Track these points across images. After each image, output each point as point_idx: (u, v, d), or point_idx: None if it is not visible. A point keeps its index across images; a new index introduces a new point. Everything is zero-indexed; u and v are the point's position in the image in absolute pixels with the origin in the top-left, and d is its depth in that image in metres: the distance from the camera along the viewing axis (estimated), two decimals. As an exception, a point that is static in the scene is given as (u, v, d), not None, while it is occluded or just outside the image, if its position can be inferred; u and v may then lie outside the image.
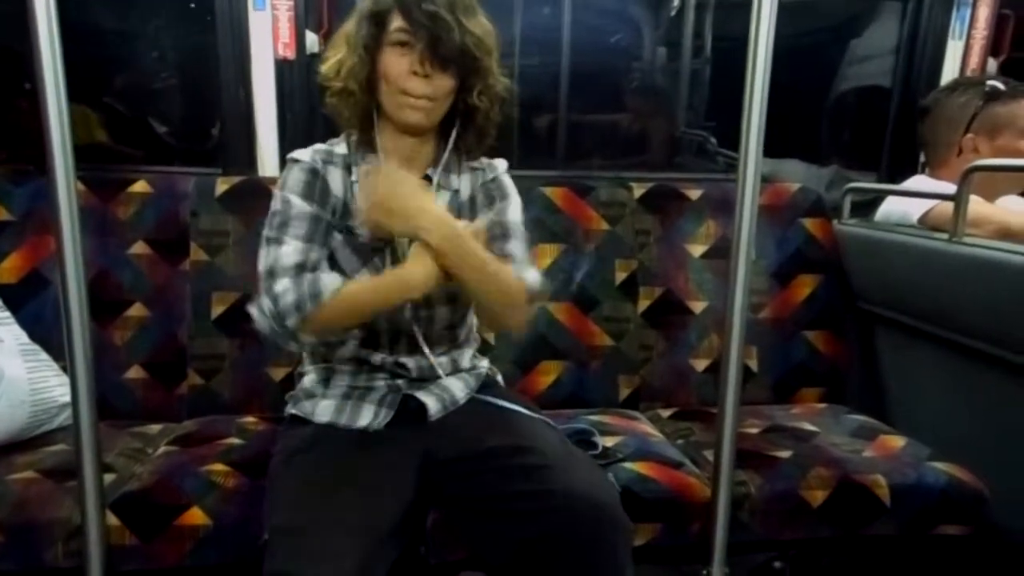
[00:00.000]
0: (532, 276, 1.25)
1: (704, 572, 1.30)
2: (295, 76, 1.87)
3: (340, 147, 1.28)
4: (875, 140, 2.27)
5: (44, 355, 1.49)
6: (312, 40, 1.90)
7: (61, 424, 1.45)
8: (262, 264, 1.18)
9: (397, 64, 1.16)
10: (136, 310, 1.64)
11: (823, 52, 2.70)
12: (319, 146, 1.28)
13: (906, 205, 1.82)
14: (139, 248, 1.66)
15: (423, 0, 1.13)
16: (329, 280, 1.15)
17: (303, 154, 1.24)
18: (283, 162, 1.89)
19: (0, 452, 1.35)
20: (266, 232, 1.20)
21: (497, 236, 1.26)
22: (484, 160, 1.35)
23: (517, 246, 1.28)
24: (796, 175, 2.43)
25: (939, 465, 1.44)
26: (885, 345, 1.83)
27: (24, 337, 1.50)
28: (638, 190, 1.86)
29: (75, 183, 1.58)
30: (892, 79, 2.19)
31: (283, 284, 1.14)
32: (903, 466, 1.44)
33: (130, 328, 1.63)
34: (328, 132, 1.34)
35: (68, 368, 1.11)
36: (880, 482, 1.39)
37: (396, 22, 1.15)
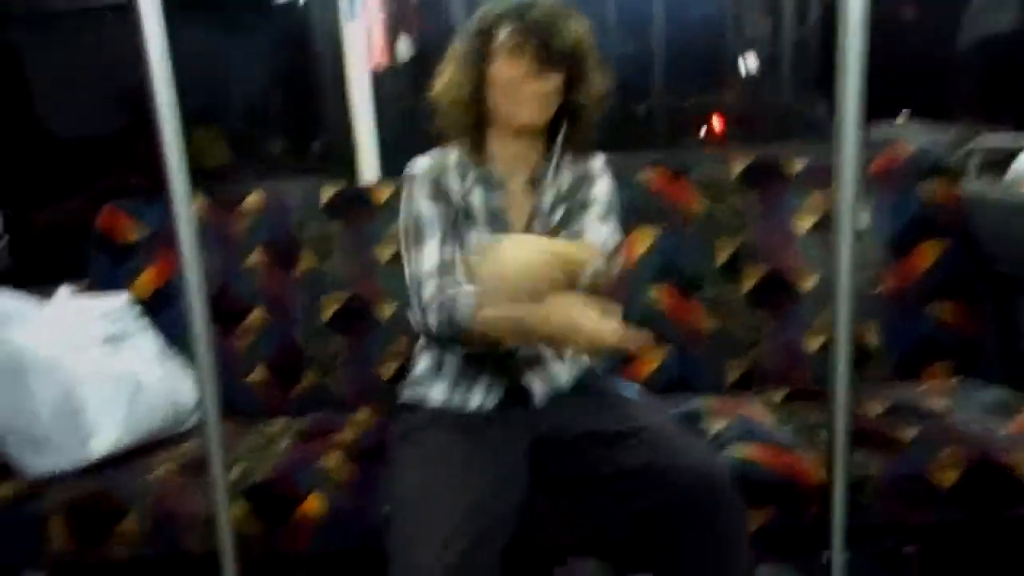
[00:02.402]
0: (599, 236, 1.26)
1: (824, 557, 1.24)
2: (390, 83, 1.94)
3: (452, 155, 1.33)
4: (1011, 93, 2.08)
5: (178, 361, 1.62)
6: (405, 47, 1.96)
7: (194, 423, 1.57)
8: (408, 274, 1.25)
9: (509, 69, 1.21)
10: (255, 316, 1.76)
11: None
12: (432, 154, 1.33)
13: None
14: (255, 258, 1.77)
15: (529, 8, 1.21)
16: (465, 302, 1.12)
17: (419, 166, 1.31)
18: (385, 166, 1.97)
19: (141, 451, 1.48)
20: (404, 245, 1.27)
21: (581, 214, 1.30)
22: (584, 160, 1.37)
23: (602, 228, 1.29)
24: (916, 138, 2.27)
25: (1091, 440, 1.30)
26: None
27: (160, 345, 1.64)
28: (737, 166, 1.79)
29: (195, 200, 1.74)
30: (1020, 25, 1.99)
31: (429, 293, 1.19)
32: (1048, 443, 1.31)
33: (251, 334, 1.75)
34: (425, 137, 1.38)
35: (195, 372, 1.20)
36: (1021, 462, 1.27)
37: (505, 31, 1.21)
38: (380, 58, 1.90)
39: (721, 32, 2.88)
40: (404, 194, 1.30)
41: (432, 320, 1.18)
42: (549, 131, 1.31)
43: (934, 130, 2.28)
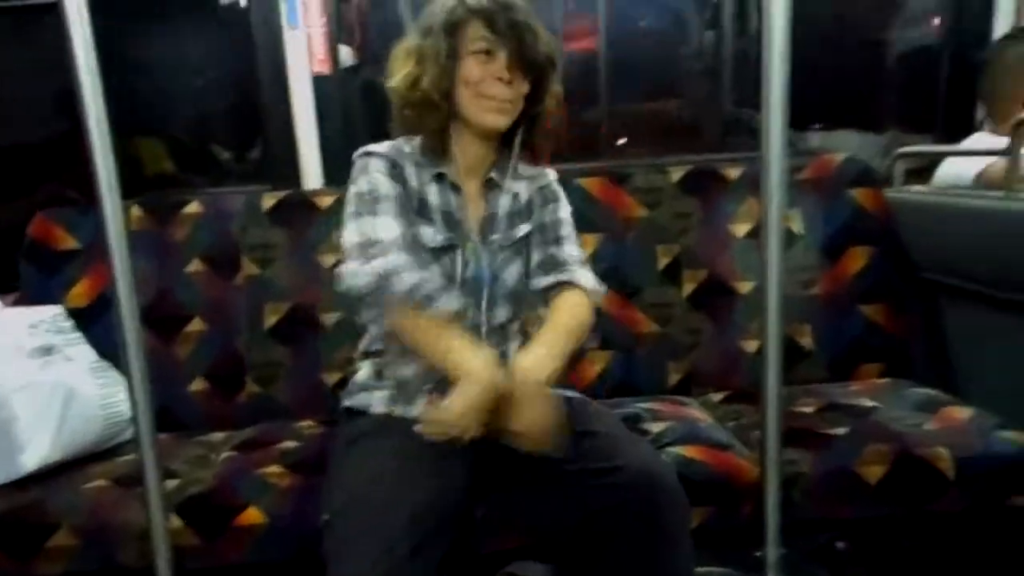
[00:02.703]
0: (589, 280, 1.33)
1: (758, 554, 1.28)
2: (332, 90, 1.94)
3: (407, 147, 1.30)
4: (931, 103, 2.18)
5: (113, 372, 1.59)
6: (347, 54, 1.96)
7: (131, 436, 1.53)
8: (353, 236, 1.18)
9: (480, 70, 1.20)
10: (195, 325, 1.73)
11: (873, 19, 2.61)
12: (388, 144, 1.30)
13: (961, 166, 1.74)
14: (195, 266, 1.75)
15: (506, 10, 1.19)
16: (446, 302, 1.16)
17: (378, 147, 1.27)
18: (327, 174, 1.97)
19: (76, 464, 1.44)
20: (354, 208, 1.21)
21: (552, 239, 1.35)
22: (535, 168, 1.39)
23: (573, 247, 1.36)
24: (850, 146, 2.36)
25: (1008, 434, 1.37)
26: (950, 314, 1.75)
27: (94, 356, 1.60)
28: (676, 174, 1.83)
29: (130, 209, 1.70)
30: (941, 37, 2.09)
31: (394, 258, 1.14)
32: (968, 437, 1.37)
33: (190, 343, 1.72)
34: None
35: (128, 383, 1.18)
36: (942, 455, 1.33)
37: (477, 31, 1.20)
38: (322, 65, 1.89)
39: (663, 42, 2.94)
40: (356, 169, 1.25)
41: (389, 283, 1.13)
42: (504, 136, 1.31)
43: (864, 138, 2.37)
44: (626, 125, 2.58)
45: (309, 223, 1.77)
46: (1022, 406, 1.46)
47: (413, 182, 1.27)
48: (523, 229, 1.34)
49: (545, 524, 1.25)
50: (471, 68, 1.20)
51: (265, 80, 1.92)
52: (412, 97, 1.23)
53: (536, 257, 1.34)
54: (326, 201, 1.77)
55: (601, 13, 2.21)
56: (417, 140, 1.31)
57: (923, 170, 1.93)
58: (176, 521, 1.27)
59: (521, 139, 1.31)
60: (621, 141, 2.60)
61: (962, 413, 1.48)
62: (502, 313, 1.31)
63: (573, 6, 2.31)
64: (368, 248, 1.16)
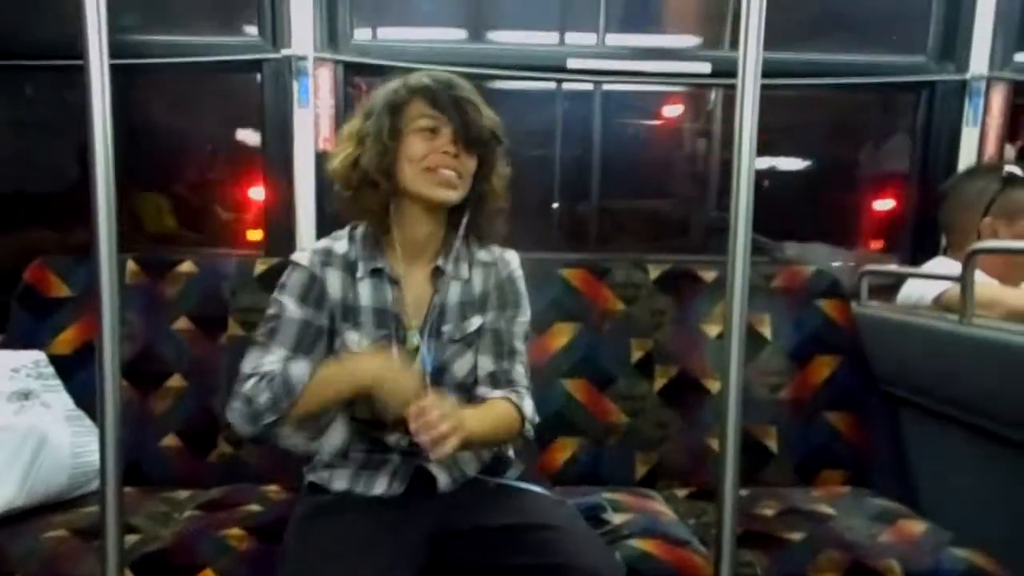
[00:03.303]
0: (529, 408, 1.32)
1: (708, 655, 1.28)
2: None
3: (341, 244, 1.30)
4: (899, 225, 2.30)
5: (88, 422, 1.60)
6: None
7: (97, 487, 1.53)
8: (246, 365, 1.23)
9: (424, 147, 1.21)
10: (175, 381, 1.75)
11: (849, 140, 2.77)
12: (319, 245, 1.31)
13: (923, 288, 1.82)
14: (182, 323, 1.79)
15: (448, 88, 1.22)
16: (298, 371, 1.19)
17: (302, 257, 1.29)
18: (320, 245, 2.03)
19: (42, 511, 1.44)
20: (256, 335, 1.26)
21: (506, 351, 1.33)
22: (496, 251, 1.38)
23: (518, 367, 1.34)
24: (822, 258, 2.46)
25: (959, 551, 1.40)
26: (909, 428, 1.80)
27: (71, 404, 1.62)
28: (654, 272, 1.91)
29: (126, 262, 1.75)
30: (910, 165, 2.23)
31: (257, 384, 1.19)
32: (920, 552, 1.40)
33: (168, 398, 1.74)
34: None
35: (99, 431, 1.20)
36: (894, 567, 1.35)
37: (419, 109, 1.22)
38: (327, 144, 1.99)
39: (654, 147, 3.09)
40: (280, 280, 1.28)
41: (255, 407, 1.18)
42: (450, 220, 1.31)
43: (835, 253, 2.48)
44: (615, 221, 2.69)
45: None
46: (974, 523, 1.50)
47: (335, 293, 1.27)
48: (475, 322, 1.32)
49: None
50: (415, 145, 1.21)
51: (271, 152, 2.01)
52: (351, 177, 1.24)
53: (486, 366, 1.32)
54: (289, 264, 1.83)
55: (596, 114, 2.33)
56: (359, 230, 1.32)
57: (888, 288, 2.02)
58: (131, 577, 1.27)
59: (468, 220, 1.30)
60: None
61: (916, 527, 1.51)
62: (453, 401, 1.28)
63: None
64: (241, 381, 1.21)
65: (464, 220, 1.31)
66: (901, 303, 1.89)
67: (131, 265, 1.81)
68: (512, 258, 1.39)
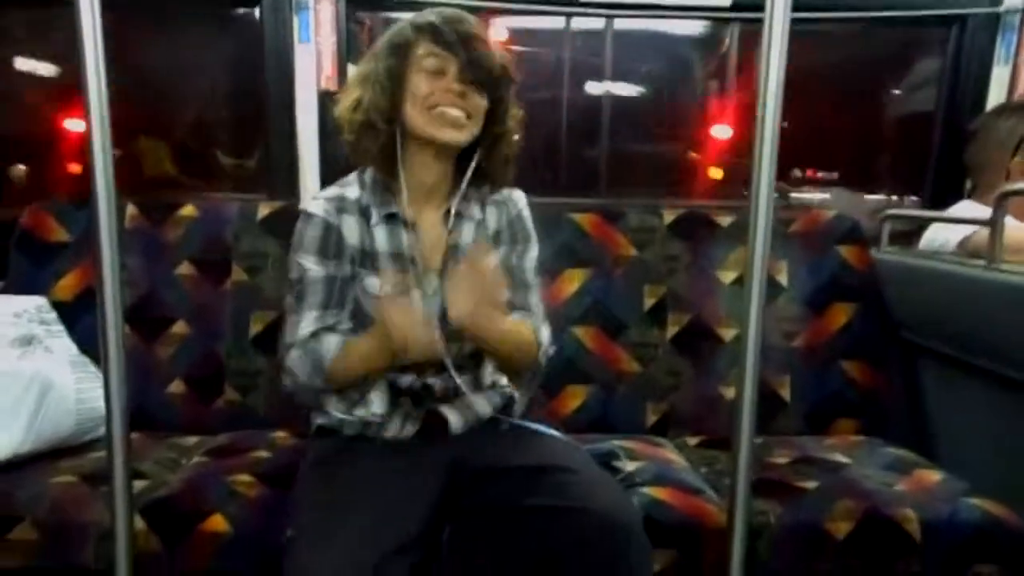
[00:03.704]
0: (545, 335, 1.32)
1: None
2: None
3: (352, 190, 1.29)
4: (923, 167, 2.23)
5: (92, 367, 1.58)
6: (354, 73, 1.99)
7: (104, 433, 1.52)
8: (286, 336, 1.25)
9: (428, 86, 1.17)
10: (179, 327, 1.73)
11: (872, 80, 2.67)
12: (331, 192, 1.29)
13: (947, 232, 1.77)
14: (184, 268, 1.75)
15: (455, 22, 1.16)
16: (330, 344, 1.21)
17: (316, 206, 1.26)
18: (324, 188, 1.98)
19: (47, 457, 1.43)
20: (287, 302, 1.27)
21: (517, 285, 1.33)
22: (505, 192, 1.37)
23: (534, 298, 1.35)
24: (841, 203, 2.40)
25: (976, 501, 1.38)
26: (928, 376, 1.77)
27: (74, 350, 1.59)
28: (668, 216, 1.86)
29: (125, 207, 1.71)
30: (936, 105, 2.14)
31: (294, 356, 1.23)
32: (936, 501, 1.38)
33: (172, 344, 1.72)
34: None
35: (104, 378, 1.17)
36: (910, 516, 1.33)
37: (424, 47, 1.17)
38: (329, 82, 1.92)
39: (666, 89, 3.00)
40: (296, 234, 1.27)
41: (299, 382, 1.23)
42: (460, 165, 1.28)
43: (855, 198, 2.42)
44: (624, 164, 2.62)
45: (303, 235, 1.78)
46: (991, 473, 1.48)
47: (353, 239, 1.25)
48: (493, 258, 1.31)
49: (507, 555, 1.24)
50: (420, 85, 1.17)
51: (273, 92, 1.94)
52: (353, 121, 1.21)
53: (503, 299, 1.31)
54: (302, 214, 1.78)
55: (608, 57, 2.25)
56: (368, 175, 1.29)
57: (910, 233, 1.96)
58: (140, 523, 1.26)
59: (478, 163, 1.27)
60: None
61: (932, 476, 1.49)
62: (469, 343, 1.29)
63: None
64: (286, 352, 1.24)
65: (473, 164, 1.28)
66: (924, 248, 1.84)
67: (131, 209, 1.77)
68: (520, 197, 1.39)
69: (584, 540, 1.10)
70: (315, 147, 1.95)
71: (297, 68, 1.92)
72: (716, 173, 2.58)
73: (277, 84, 1.94)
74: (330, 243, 1.24)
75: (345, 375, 1.23)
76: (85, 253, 1.73)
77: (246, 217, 1.79)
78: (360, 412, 1.28)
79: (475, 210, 1.32)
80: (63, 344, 1.58)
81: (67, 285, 1.72)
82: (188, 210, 1.79)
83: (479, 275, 1.12)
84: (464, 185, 1.29)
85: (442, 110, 1.18)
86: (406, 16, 1.26)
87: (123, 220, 1.74)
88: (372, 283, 1.26)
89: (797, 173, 2.61)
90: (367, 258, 1.27)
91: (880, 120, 2.56)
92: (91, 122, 1.12)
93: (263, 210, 1.79)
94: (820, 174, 2.66)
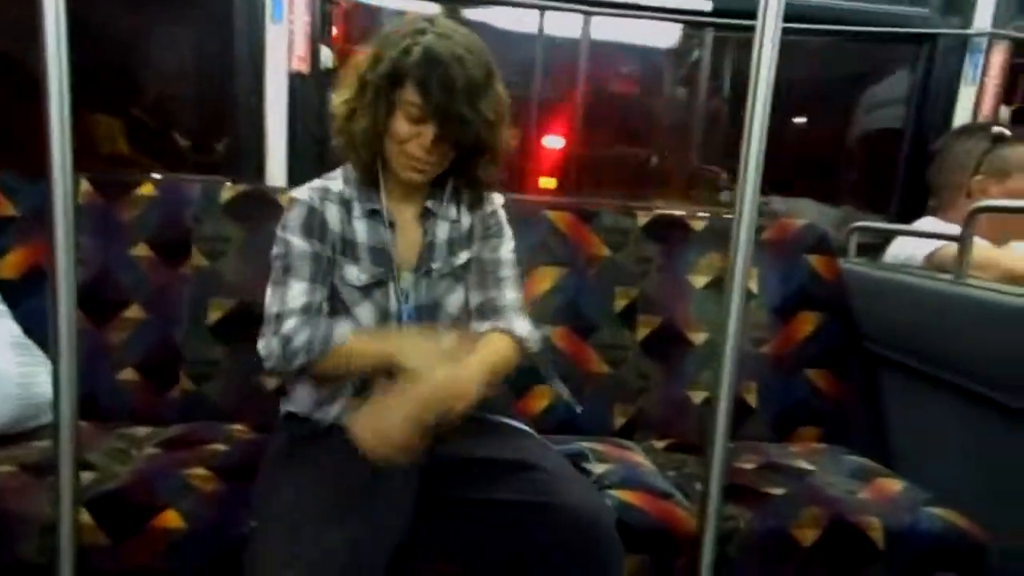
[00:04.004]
0: (523, 327, 1.30)
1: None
2: (308, 90, 1.90)
3: (336, 184, 1.29)
4: (888, 183, 2.27)
5: (37, 351, 1.49)
6: (327, 55, 1.93)
7: (48, 420, 1.44)
8: (270, 307, 1.22)
9: (406, 132, 1.18)
10: (133, 311, 1.64)
11: (841, 97, 2.72)
12: (316, 183, 1.29)
13: (913, 246, 1.80)
14: (141, 250, 1.67)
15: (442, 78, 1.13)
16: (341, 330, 1.19)
17: (302, 192, 1.27)
18: (291, 173, 1.92)
19: (-16, 445, 1.34)
20: (272, 276, 1.24)
21: (492, 281, 1.32)
22: (483, 193, 1.37)
23: (510, 291, 1.33)
24: (808, 214, 2.43)
25: (936, 511, 1.40)
26: (890, 387, 1.79)
27: (18, 332, 1.50)
28: (642, 218, 1.85)
29: (80, 183, 1.62)
30: (904, 123, 2.18)
31: (292, 324, 1.18)
32: (899, 510, 1.40)
33: (126, 329, 1.63)
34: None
35: (52, 363, 1.11)
36: (874, 524, 1.35)
37: (411, 94, 1.16)
38: (300, 64, 1.85)
39: (642, 94, 3.00)
40: (282, 219, 1.26)
41: (291, 347, 1.17)
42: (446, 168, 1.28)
43: (821, 209, 2.45)
44: (597, 167, 2.61)
45: (267, 220, 1.70)
46: (952, 483, 1.50)
47: (335, 227, 1.25)
48: (463, 256, 1.33)
49: (479, 550, 1.22)
50: (399, 127, 1.18)
51: (241, 71, 1.87)
52: (345, 129, 1.23)
53: (474, 299, 1.33)
54: (287, 200, 1.72)
55: (581, 61, 2.23)
56: (352, 172, 1.30)
57: (875, 246, 1.99)
58: (86, 517, 1.18)
59: (456, 179, 1.31)
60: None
61: (893, 485, 1.51)
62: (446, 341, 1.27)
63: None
64: (273, 321, 1.20)
65: (449, 184, 1.32)
66: (888, 261, 1.86)
67: (84, 185, 1.68)
68: (496, 199, 1.39)
69: (556, 536, 1.09)
70: (283, 130, 1.88)
71: (268, 48, 1.85)
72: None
73: (246, 64, 1.86)
74: (315, 224, 1.24)
75: (336, 367, 1.19)
76: (33, 230, 1.64)
77: (209, 199, 1.71)
78: (320, 413, 1.27)
79: (451, 210, 1.33)
80: (5, 325, 1.49)
81: (11, 263, 1.62)
82: (146, 188, 1.71)
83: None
84: (445, 196, 1.32)
85: (412, 157, 1.20)
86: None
87: (76, 196, 1.65)
88: (351, 272, 1.25)
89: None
90: (347, 246, 1.26)
91: (846, 135, 2.61)
92: (49, 93, 1.06)
93: (227, 193, 1.72)
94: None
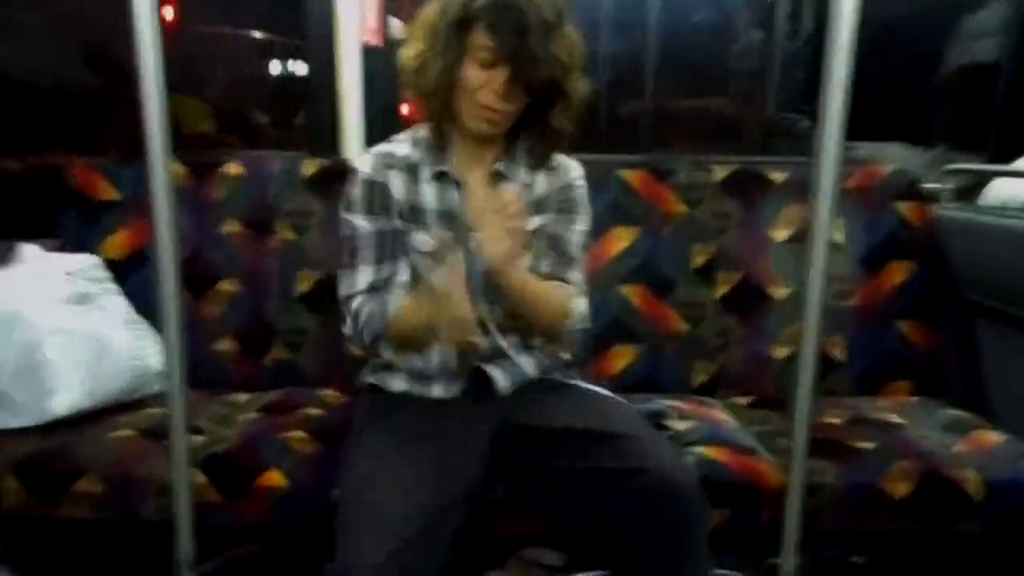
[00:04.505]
0: (580, 307, 1.30)
1: (775, 561, 1.27)
2: (380, 62, 1.93)
3: (402, 147, 1.28)
4: (985, 121, 2.13)
5: (144, 326, 1.60)
6: (397, 27, 1.95)
7: (159, 390, 1.55)
8: (341, 291, 1.27)
9: (477, 78, 1.15)
10: (227, 285, 1.73)
11: (932, 31, 2.56)
12: (380, 148, 1.29)
13: (1012, 187, 1.70)
14: (230, 227, 1.75)
15: (513, 18, 1.10)
16: (396, 302, 1.23)
17: (363, 163, 1.27)
18: (367, 145, 1.96)
19: (104, 413, 1.46)
20: (342, 259, 1.27)
21: (559, 256, 1.31)
22: (558, 159, 1.33)
23: (575, 273, 1.32)
24: (899, 159, 2.32)
25: (1039, 462, 1.35)
26: (987, 336, 1.72)
27: (128, 308, 1.61)
28: (719, 173, 1.81)
29: (172, 165, 1.71)
30: (1001, 55, 2.04)
31: (357, 304, 1.24)
32: (997, 462, 1.35)
33: (221, 302, 1.73)
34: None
35: (163, 338, 1.18)
36: (970, 477, 1.31)
37: (481, 38, 1.13)
38: (372, 36, 1.88)
39: (715, 41, 2.91)
40: (346, 190, 1.27)
41: (359, 326, 1.23)
42: (517, 125, 1.25)
43: (914, 152, 2.33)
44: (669, 120, 2.56)
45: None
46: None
47: (400, 195, 1.25)
48: (535, 222, 1.29)
49: (563, 516, 1.26)
50: (470, 74, 1.15)
51: (314, 46, 1.91)
52: (417, 83, 1.20)
53: (542, 267, 1.31)
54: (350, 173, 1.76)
55: (652, 6, 2.18)
56: (421, 134, 1.28)
57: (972, 188, 1.89)
58: (199, 477, 1.28)
59: (530, 136, 1.27)
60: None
61: (992, 437, 1.45)
62: (507, 301, 1.27)
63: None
64: (344, 304, 1.26)
65: (521, 139, 1.29)
66: (987, 204, 1.77)
67: (175, 167, 1.75)
68: (574, 167, 1.35)
69: (641, 500, 1.10)
70: (358, 103, 1.92)
71: (339, 21, 1.88)
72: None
73: (318, 38, 1.91)
74: (375, 200, 1.25)
75: (401, 330, 1.23)
76: (134, 211, 1.74)
77: (289, 175, 1.77)
78: (416, 362, 1.29)
79: (522, 173, 1.30)
80: (116, 302, 1.60)
81: (116, 244, 1.73)
82: (232, 168, 1.78)
83: (506, 213, 1.10)
84: (516, 153, 1.29)
85: (484, 106, 1.17)
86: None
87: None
88: (420, 239, 1.26)
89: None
90: (415, 213, 1.26)
91: (939, 71, 2.46)
92: (144, 77, 1.11)
93: (307, 168, 1.78)
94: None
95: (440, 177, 1.26)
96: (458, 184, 1.26)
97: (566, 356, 1.42)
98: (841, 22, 1.07)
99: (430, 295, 1.12)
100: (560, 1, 1.16)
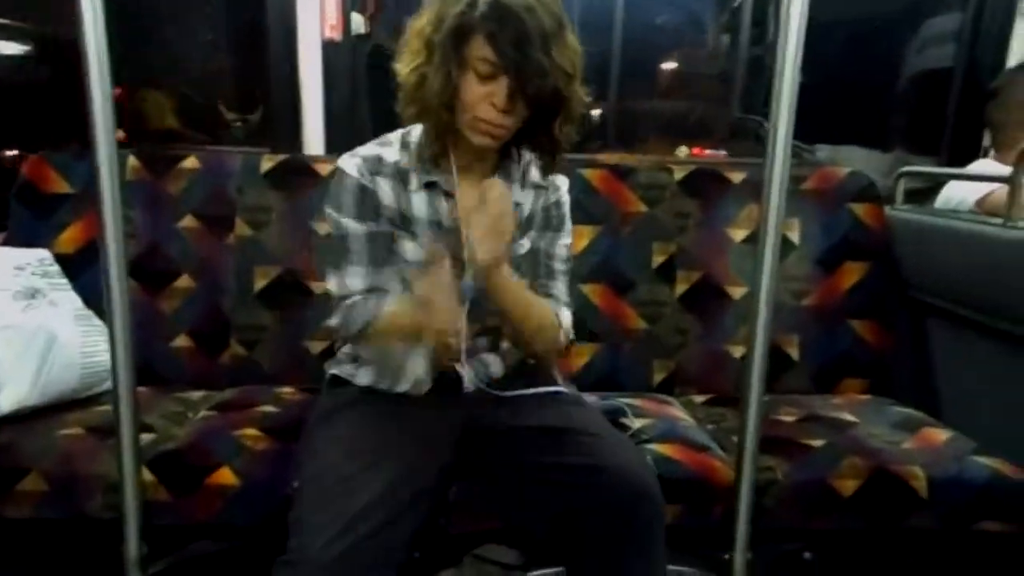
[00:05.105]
0: (567, 319, 1.30)
1: (726, 557, 1.28)
2: (341, 57, 1.91)
3: (391, 152, 1.24)
4: (939, 125, 2.18)
5: (97, 321, 1.57)
6: (358, 22, 1.94)
7: (109, 386, 1.51)
8: (333, 289, 1.24)
9: (475, 91, 1.11)
10: (183, 281, 1.71)
11: (888, 38, 2.61)
12: (368, 151, 1.24)
13: (964, 190, 1.74)
14: (187, 222, 1.73)
15: (514, 27, 1.06)
16: (383, 301, 1.20)
17: (351, 166, 1.22)
18: (328, 141, 1.95)
19: (53, 410, 1.43)
20: (329, 258, 1.23)
21: (544, 271, 1.31)
22: (548, 177, 1.31)
23: (560, 286, 1.33)
24: (856, 161, 2.36)
25: (983, 459, 1.38)
26: (937, 336, 1.75)
27: (79, 303, 1.58)
28: (679, 173, 1.83)
29: (128, 159, 1.68)
30: (956, 61, 2.09)
31: (353, 300, 1.22)
32: (944, 459, 1.38)
33: (177, 298, 1.70)
34: (371, 114, 1.34)
35: (109, 333, 1.16)
36: (917, 474, 1.33)
37: (480, 49, 1.08)
38: (333, 32, 1.87)
39: (678, 44, 2.93)
40: (331, 192, 1.23)
41: (351, 323, 1.21)
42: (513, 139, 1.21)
43: (871, 155, 2.38)
44: (635, 120, 2.57)
45: (306, 188, 1.75)
46: (999, 432, 1.47)
47: (390, 202, 1.22)
48: (524, 245, 1.28)
49: (521, 513, 1.26)
50: (470, 87, 1.11)
51: (274, 42, 1.89)
52: (416, 96, 1.16)
53: (527, 281, 1.29)
54: (326, 168, 1.75)
55: (618, 9, 2.19)
56: (412, 138, 1.25)
57: (926, 191, 1.93)
58: (148, 475, 1.26)
59: (528, 149, 1.25)
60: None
61: (940, 435, 1.49)
62: (492, 320, 1.28)
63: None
64: (340, 300, 1.23)
65: (521, 154, 1.27)
66: (939, 207, 1.81)
67: (131, 160, 1.74)
68: (562, 183, 1.34)
69: (601, 496, 1.10)
70: (319, 98, 1.91)
71: (299, 17, 1.86)
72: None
73: (279, 33, 1.89)
74: (366, 204, 1.21)
75: (387, 331, 1.20)
76: (87, 205, 1.71)
77: (249, 170, 1.75)
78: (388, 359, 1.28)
79: (516, 192, 1.26)
80: (67, 297, 1.57)
81: (69, 238, 1.70)
82: (190, 162, 1.76)
83: (493, 210, 1.09)
84: (511, 170, 1.27)
85: (485, 120, 1.13)
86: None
87: (124, 172, 1.71)
88: (408, 247, 1.23)
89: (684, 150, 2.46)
90: (405, 221, 1.23)
91: (896, 77, 2.51)
92: (89, 70, 1.09)
93: (266, 163, 1.76)
94: (707, 152, 2.49)
95: (429, 187, 1.23)
96: (448, 196, 1.23)
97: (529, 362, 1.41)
98: (790, 27, 1.09)
99: (418, 303, 1.08)
100: (559, 8, 1.11)
